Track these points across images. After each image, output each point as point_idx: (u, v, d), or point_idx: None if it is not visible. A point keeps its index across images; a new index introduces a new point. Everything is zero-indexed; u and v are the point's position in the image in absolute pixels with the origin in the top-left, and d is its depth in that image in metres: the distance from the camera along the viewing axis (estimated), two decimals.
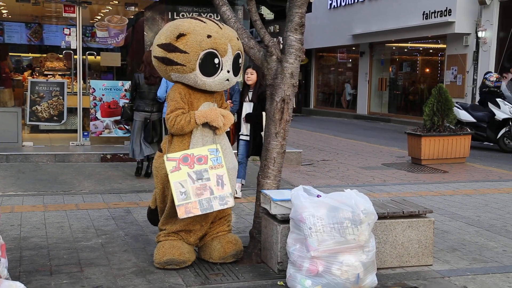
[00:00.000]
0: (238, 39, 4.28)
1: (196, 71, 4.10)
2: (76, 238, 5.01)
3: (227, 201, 4.08)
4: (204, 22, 4.18)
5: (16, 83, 13.35)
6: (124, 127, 10.11)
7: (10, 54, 15.64)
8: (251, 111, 6.88)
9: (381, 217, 4.20)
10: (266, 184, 4.46)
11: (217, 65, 4.13)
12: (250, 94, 6.91)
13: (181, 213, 4.02)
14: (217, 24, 4.21)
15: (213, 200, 4.05)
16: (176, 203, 4.02)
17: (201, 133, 4.21)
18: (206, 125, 4.20)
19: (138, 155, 8.00)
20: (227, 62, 4.16)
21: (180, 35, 4.07)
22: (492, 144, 12.55)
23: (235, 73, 4.29)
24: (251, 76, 6.83)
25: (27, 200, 6.44)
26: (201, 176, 4.07)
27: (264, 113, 6.10)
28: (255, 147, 6.87)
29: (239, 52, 4.27)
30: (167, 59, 4.11)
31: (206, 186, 4.06)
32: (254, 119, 6.86)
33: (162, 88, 7.68)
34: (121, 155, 9.38)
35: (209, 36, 4.08)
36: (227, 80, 4.21)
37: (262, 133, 5.90)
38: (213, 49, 4.09)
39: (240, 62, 4.31)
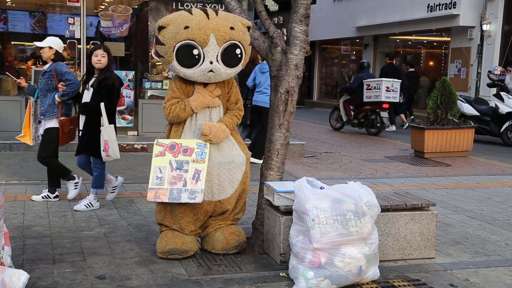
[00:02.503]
0: (234, 29, 4.10)
1: (173, 62, 4.13)
2: (79, 227, 5.02)
3: (196, 196, 4.06)
4: (192, 14, 4.09)
5: (20, 72, 13.33)
6: (128, 117, 10.11)
7: (13, 43, 15.61)
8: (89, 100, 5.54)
9: (384, 209, 4.20)
10: (269, 176, 4.46)
11: (196, 56, 4.06)
12: (93, 80, 5.56)
13: (150, 197, 4.13)
14: (207, 15, 4.08)
15: (183, 191, 4.07)
16: (149, 185, 4.14)
17: (193, 125, 4.24)
18: (200, 118, 4.23)
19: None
20: (209, 53, 4.06)
21: (160, 28, 4.12)
22: (495, 137, 12.53)
23: (231, 64, 4.16)
24: (102, 59, 5.49)
25: (30, 188, 6.45)
26: (181, 167, 4.12)
27: (102, 104, 5.41)
28: (92, 145, 5.59)
29: (235, 42, 4.11)
30: (156, 51, 4.23)
31: (181, 177, 4.10)
32: (89, 110, 5.50)
33: (250, 77, 8.77)
34: (124, 145, 9.38)
35: (186, 27, 4.02)
36: (211, 71, 4.11)
37: (103, 128, 5.21)
38: (190, 40, 4.02)
39: (238, 52, 4.15)
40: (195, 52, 4.05)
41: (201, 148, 4.13)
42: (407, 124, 14.68)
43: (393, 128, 14.45)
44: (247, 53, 4.25)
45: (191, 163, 4.11)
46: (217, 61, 4.09)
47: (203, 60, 4.07)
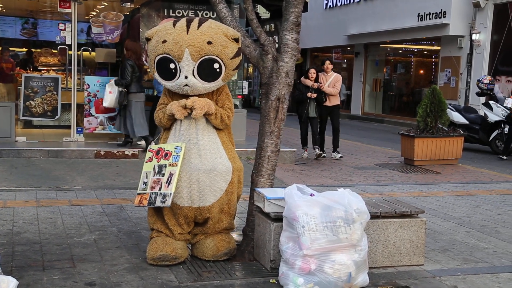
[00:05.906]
0: (212, 43, 4.03)
1: (155, 74, 4.22)
2: (68, 234, 5.01)
3: (166, 199, 4.05)
4: (174, 26, 4.11)
5: (10, 77, 13.28)
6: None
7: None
8: None
9: (373, 216, 4.22)
10: (260, 182, 4.47)
11: (173, 70, 4.11)
12: None
13: (136, 202, 4.20)
14: (188, 28, 4.06)
15: (158, 195, 4.09)
16: (137, 191, 4.21)
17: (177, 131, 4.25)
18: (184, 125, 4.22)
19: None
20: (183, 68, 4.07)
21: (147, 39, 4.26)
22: (484, 146, 12.62)
23: (208, 79, 4.12)
24: None
25: (19, 195, 6.42)
26: (160, 171, 4.15)
27: None
28: None
29: (211, 57, 4.05)
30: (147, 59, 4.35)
31: (159, 181, 4.13)
32: None
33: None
34: (114, 152, 9.37)
35: (164, 41, 4.08)
36: (187, 85, 4.11)
37: None
38: (166, 54, 4.08)
39: (217, 67, 4.09)
40: (172, 66, 4.11)
41: (177, 151, 4.12)
42: None
43: None
44: (228, 67, 4.16)
45: (168, 167, 4.12)
46: (193, 75, 4.09)
47: (179, 75, 4.11)
